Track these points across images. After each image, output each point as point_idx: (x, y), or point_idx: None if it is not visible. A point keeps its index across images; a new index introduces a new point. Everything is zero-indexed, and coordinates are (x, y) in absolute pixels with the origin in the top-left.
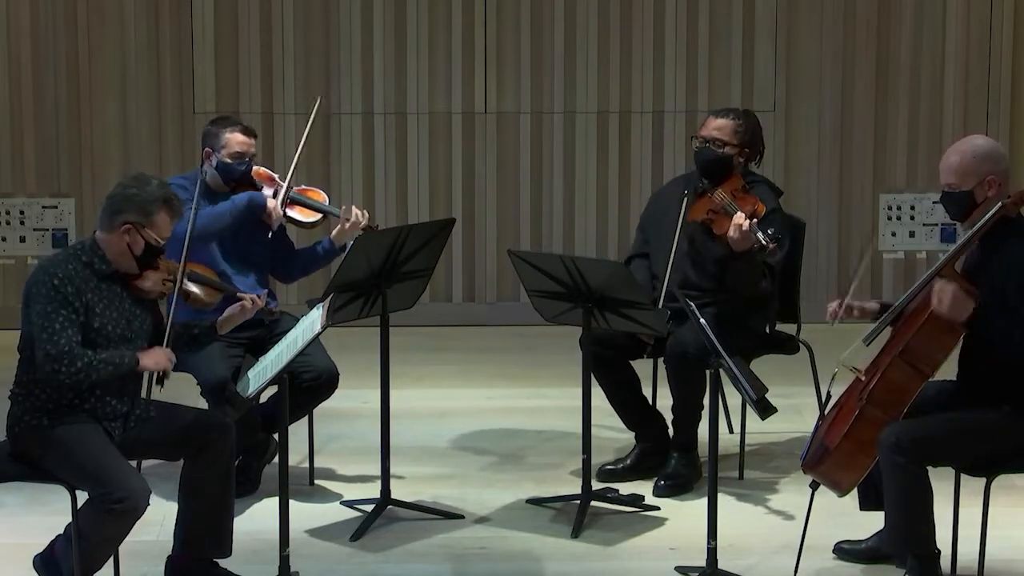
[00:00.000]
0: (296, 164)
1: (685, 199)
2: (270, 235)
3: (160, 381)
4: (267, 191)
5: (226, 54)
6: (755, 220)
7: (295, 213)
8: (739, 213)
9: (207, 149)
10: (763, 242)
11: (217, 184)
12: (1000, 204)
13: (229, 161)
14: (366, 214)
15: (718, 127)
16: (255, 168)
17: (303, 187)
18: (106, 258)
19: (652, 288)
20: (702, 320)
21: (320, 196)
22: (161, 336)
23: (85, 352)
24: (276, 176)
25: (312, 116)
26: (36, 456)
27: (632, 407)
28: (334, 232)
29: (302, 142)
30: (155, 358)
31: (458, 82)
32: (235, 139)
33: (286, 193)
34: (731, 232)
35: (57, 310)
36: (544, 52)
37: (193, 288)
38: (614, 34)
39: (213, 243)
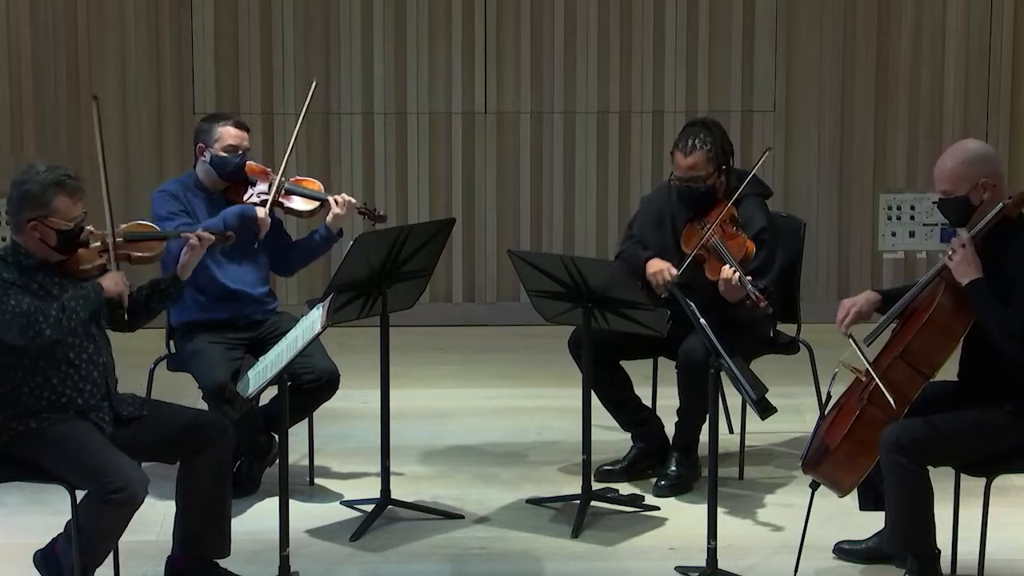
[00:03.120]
0: (288, 156)
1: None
2: (256, 244)
3: (121, 309)
4: (261, 186)
5: (226, 54)
6: (746, 275)
7: (292, 203)
8: (727, 267)
9: (200, 145)
10: (753, 298)
11: (211, 180)
12: (1001, 205)
13: (224, 154)
14: (351, 198)
15: (691, 166)
16: (248, 164)
17: (298, 178)
18: (29, 253)
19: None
20: (702, 320)
21: (316, 185)
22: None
23: (49, 306)
24: (269, 170)
25: (308, 99)
26: (31, 459)
27: (624, 408)
28: (329, 217)
29: (299, 122)
30: (112, 279)
31: (458, 82)
32: (228, 132)
33: (280, 184)
34: (720, 286)
35: (5, 291)
36: (544, 52)
37: (134, 252)
38: (614, 34)
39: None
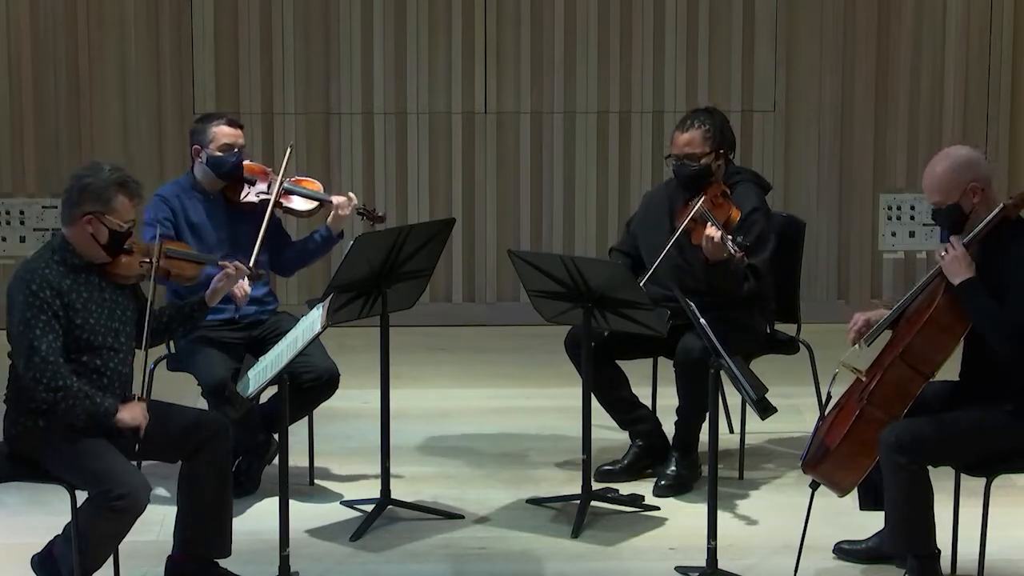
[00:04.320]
0: (287, 160)
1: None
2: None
3: (136, 439)
4: (260, 185)
5: (226, 54)
6: (727, 233)
7: (292, 203)
8: (710, 226)
9: (195, 146)
10: (731, 251)
11: (209, 181)
12: (1001, 206)
13: (219, 154)
14: (351, 196)
15: (687, 142)
16: (246, 163)
17: (298, 177)
18: (77, 252)
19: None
20: (702, 320)
21: (315, 185)
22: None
23: (69, 375)
24: (268, 169)
25: (284, 162)
26: (35, 457)
27: (620, 407)
28: (329, 218)
29: (279, 177)
30: (132, 413)
31: (458, 82)
32: (222, 132)
33: (280, 184)
34: (704, 244)
35: (36, 316)
36: (544, 52)
37: (174, 269)
38: (614, 34)
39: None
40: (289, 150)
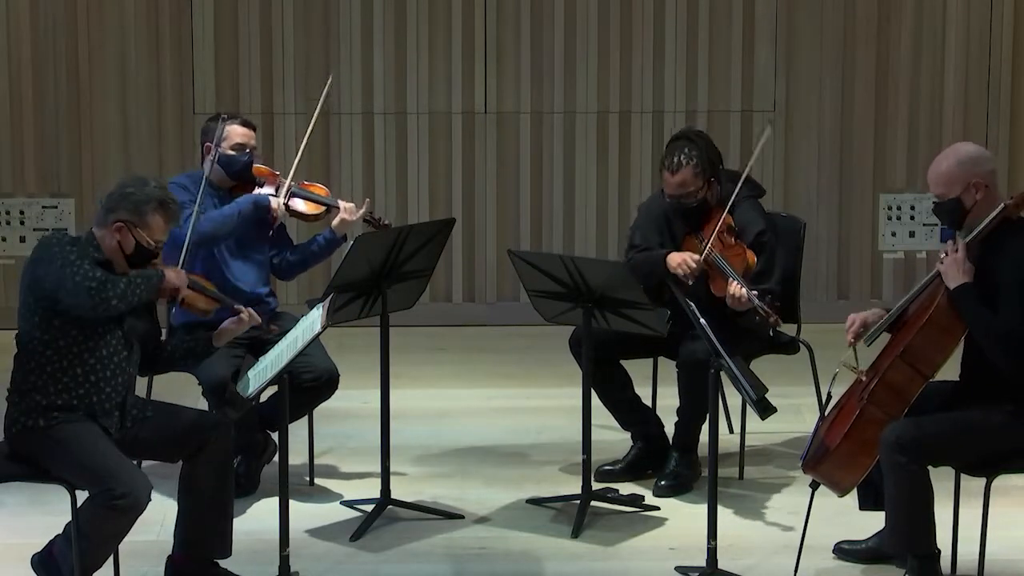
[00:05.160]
0: (300, 159)
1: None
2: (271, 233)
3: (172, 302)
4: (268, 188)
5: (226, 54)
6: (752, 290)
7: (298, 206)
8: (733, 282)
9: (208, 144)
10: (762, 313)
11: (219, 178)
12: (1002, 206)
13: (232, 153)
14: (366, 203)
15: (680, 183)
16: (255, 165)
17: (305, 182)
18: (101, 249)
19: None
20: (702, 320)
21: (323, 190)
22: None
23: (118, 276)
24: (277, 173)
25: (324, 94)
26: (35, 457)
27: (624, 407)
28: (335, 222)
29: (312, 121)
30: (179, 275)
31: (458, 82)
32: (236, 131)
33: (288, 187)
34: (728, 301)
35: (81, 257)
36: (544, 52)
37: (187, 295)
38: (614, 34)
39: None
40: (329, 81)
